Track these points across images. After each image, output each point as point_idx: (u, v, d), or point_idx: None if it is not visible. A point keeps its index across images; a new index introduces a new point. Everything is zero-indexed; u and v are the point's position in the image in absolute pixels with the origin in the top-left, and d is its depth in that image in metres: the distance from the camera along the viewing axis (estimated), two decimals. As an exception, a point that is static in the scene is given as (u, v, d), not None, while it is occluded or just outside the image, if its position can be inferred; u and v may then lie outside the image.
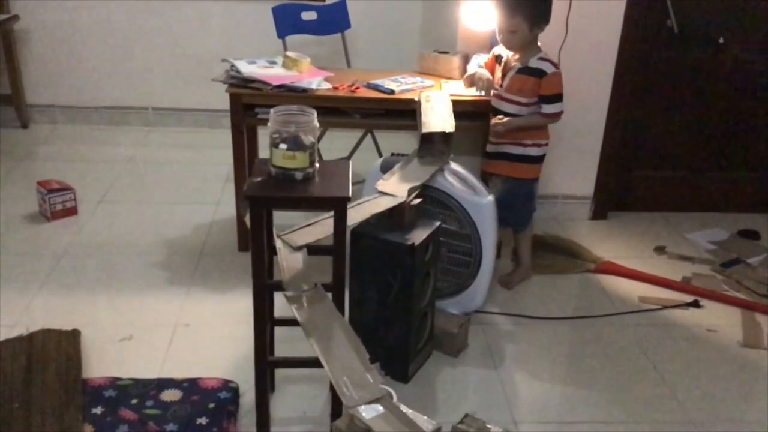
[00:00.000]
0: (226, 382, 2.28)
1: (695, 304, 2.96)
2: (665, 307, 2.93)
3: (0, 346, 2.38)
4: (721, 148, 3.72)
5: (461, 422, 2.07)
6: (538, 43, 2.75)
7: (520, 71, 2.74)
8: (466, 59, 3.16)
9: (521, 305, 2.87)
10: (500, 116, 2.81)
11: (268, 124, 1.96)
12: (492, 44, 3.16)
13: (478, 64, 2.97)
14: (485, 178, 2.90)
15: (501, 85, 2.80)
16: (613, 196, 3.69)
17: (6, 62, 4.24)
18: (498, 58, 2.86)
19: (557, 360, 2.60)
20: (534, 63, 2.71)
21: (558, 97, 2.73)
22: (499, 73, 2.84)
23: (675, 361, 2.61)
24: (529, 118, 2.78)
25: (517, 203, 2.89)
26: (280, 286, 1.96)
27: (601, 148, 3.56)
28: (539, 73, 2.70)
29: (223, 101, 2.93)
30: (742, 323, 2.85)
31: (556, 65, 2.73)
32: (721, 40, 3.50)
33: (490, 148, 2.90)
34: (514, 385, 2.44)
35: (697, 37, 3.49)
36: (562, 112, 2.76)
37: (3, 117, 4.40)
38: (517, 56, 2.77)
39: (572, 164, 3.56)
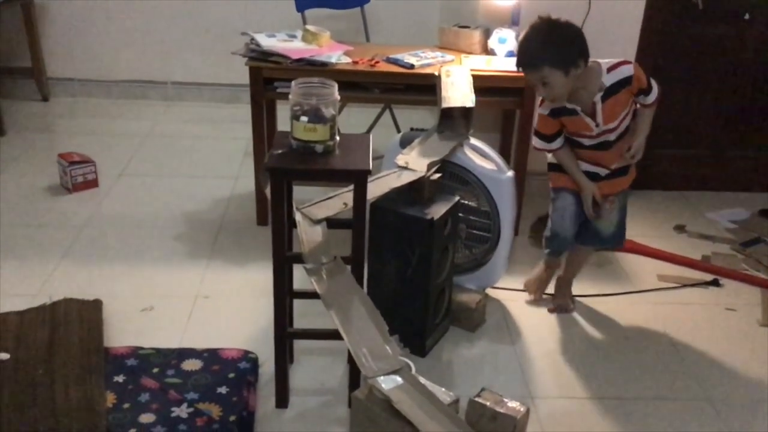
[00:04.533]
0: (246, 352, 2.31)
1: (715, 283, 2.94)
2: (684, 286, 2.92)
3: (23, 315, 2.42)
4: (744, 127, 3.67)
5: (478, 396, 2.08)
6: (591, 61, 2.32)
7: (604, 97, 2.32)
8: (486, 34, 3.13)
9: (539, 282, 2.87)
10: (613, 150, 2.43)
11: (289, 96, 1.96)
12: (514, 19, 3.13)
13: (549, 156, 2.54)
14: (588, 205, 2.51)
15: (596, 125, 2.36)
16: (634, 174, 3.65)
17: (26, 36, 4.26)
18: (559, 112, 2.39)
19: (575, 336, 2.60)
20: (609, 79, 2.31)
21: (650, 80, 2.37)
22: (579, 120, 2.38)
23: (693, 339, 2.60)
24: (644, 122, 2.42)
25: (626, 215, 2.62)
26: (299, 259, 1.97)
27: (622, 125, 3.53)
28: (625, 83, 2.31)
29: (243, 75, 2.93)
30: (761, 302, 2.83)
31: (625, 60, 2.34)
32: (746, 17, 3.44)
33: (602, 172, 2.48)
34: (531, 360, 2.44)
35: (721, 13, 3.43)
36: (659, 88, 2.40)
37: (24, 90, 4.43)
38: (582, 92, 2.34)
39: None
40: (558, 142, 2.46)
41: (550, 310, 2.69)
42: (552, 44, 2.24)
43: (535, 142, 2.51)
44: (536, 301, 2.72)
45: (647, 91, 2.36)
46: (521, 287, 2.82)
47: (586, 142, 2.42)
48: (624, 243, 2.69)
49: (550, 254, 2.62)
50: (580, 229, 2.55)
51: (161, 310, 2.57)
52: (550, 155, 2.54)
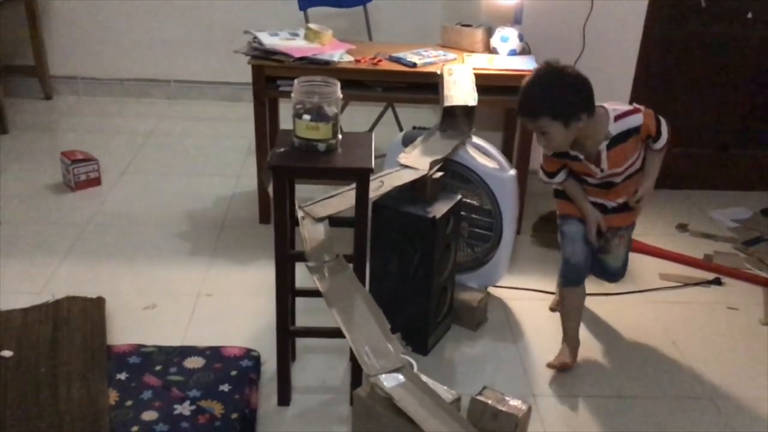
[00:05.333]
0: (248, 350, 2.32)
1: (717, 282, 2.94)
2: (686, 285, 2.92)
3: (26, 313, 2.42)
4: (747, 126, 3.67)
5: (480, 394, 2.09)
6: (598, 106, 2.19)
7: (610, 146, 2.20)
8: (489, 32, 3.13)
9: (540, 281, 2.87)
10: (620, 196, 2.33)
11: (292, 94, 1.96)
12: (516, 18, 3.14)
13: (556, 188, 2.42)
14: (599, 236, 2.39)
15: (600, 169, 2.26)
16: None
17: (29, 34, 4.26)
18: (562, 155, 2.28)
19: (576, 335, 2.60)
20: (615, 128, 2.19)
21: (660, 126, 2.24)
22: (583, 164, 2.28)
23: (695, 338, 2.60)
24: (653, 166, 2.30)
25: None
26: (301, 257, 1.98)
27: (624, 124, 3.53)
28: (634, 132, 2.20)
29: (245, 74, 2.94)
30: (763, 302, 2.83)
31: (635, 108, 2.22)
32: (749, 15, 3.43)
33: (609, 204, 2.37)
34: (533, 359, 2.45)
35: (724, 11, 3.43)
36: (670, 132, 2.28)
37: (27, 88, 4.44)
38: (587, 140, 2.21)
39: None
40: (560, 177, 2.35)
41: (552, 309, 2.69)
42: (553, 94, 2.11)
43: (540, 175, 2.39)
44: (571, 368, 2.40)
45: (656, 137, 2.24)
46: (523, 286, 2.82)
47: (591, 180, 2.32)
48: (621, 278, 2.63)
49: (567, 285, 2.38)
50: (592, 264, 2.43)
51: (164, 307, 2.58)
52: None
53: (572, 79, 2.13)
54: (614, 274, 2.56)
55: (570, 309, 2.40)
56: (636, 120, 2.20)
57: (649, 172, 2.30)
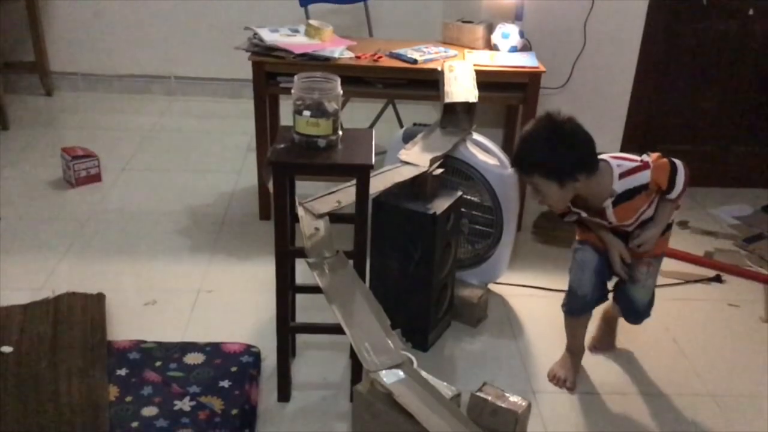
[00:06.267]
0: (248, 346, 2.32)
1: (717, 279, 2.94)
2: (687, 282, 2.91)
3: (27, 309, 2.42)
4: (748, 123, 3.66)
5: (480, 390, 2.09)
6: (601, 160, 2.03)
7: (616, 203, 2.05)
8: (490, 29, 3.12)
9: (541, 277, 2.87)
10: (634, 239, 2.14)
11: (292, 90, 1.96)
12: (517, 14, 3.13)
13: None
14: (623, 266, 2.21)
15: (608, 222, 2.12)
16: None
17: (30, 30, 4.25)
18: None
19: (576, 332, 2.60)
20: (620, 186, 2.02)
21: (674, 174, 2.03)
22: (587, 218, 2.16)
23: (696, 335, 2.60)
24: (663, 213, 2.11)
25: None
26: (302, 253, 1.97)
27: (625, 121, 3.53)
28: (641, 189, 2.03)
29: (246, 70, 2.93)
30: (764, 299, 2.83)
31: (643, 164, 2.03)
32: (750, 12, 3.42)
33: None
34: (533, 355, 2.45)
35: (725, 8, 3.42)
36: (687, 180, 2.06)
37: (27, 84, 4.44)
38: (589, 198, 2.07)
39: (596, 137, 3.49)
40: (572, 216, 2.18)
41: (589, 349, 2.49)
42: (547, 151, 1.95)
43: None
44: (570, 391, 2.29)
45: (669, 189, 2.04)
46: (523, 282, 2.82)
47: (603, 223, 2.15)
48: (646, 317, 2.32)
49: (569, 314, 2.27)
50: (617, 295, 2.28)
51: (164, 304, 2.58)
52: None
53: (570, 135, 1.96)
54: (640, 310, 2.26)
55: (576, 326, 2.32)
56: (643, 178, 2.02)
57: (657, 218, 2.10)
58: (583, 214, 2.13)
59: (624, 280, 2.22)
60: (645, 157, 2.06)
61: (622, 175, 2.02)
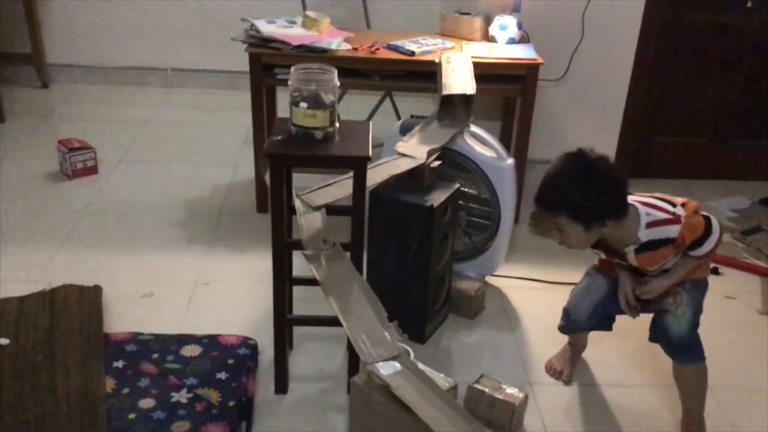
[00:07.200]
0: (246, 338, 2.32)
1: (714, 271, 2.94)
2: (684, 274, 2.92)
3: (23, 301, 2.42)
4: (746, 115, 3.66)
5: (477, 382, 2.09)
6: (631, 204, 1.90)
7: (639, 251, 1.94)
8: (488, 20, 3.11)
9: (538, 270, 2.87)
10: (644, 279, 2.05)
11: (289, 82, 1.95)
12: (515, 6, 3.12)
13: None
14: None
15: (628, 264, 2.03)
16: (635, 163, 3.66)
17: (26, 22, 4.23)
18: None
19: (574, 324, 2.60)
20: (646, 236, 1.90)
21: (705, 237, 1.91)
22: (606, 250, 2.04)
23: (692, 327, 2.60)
24: (682, 267, 1.99)
25: (700, 316, 2.05)
26: (299, 245, 1.97)
27: (623, 113, 3.52)
28: (667, 242, 1.91)
29: (242, 62, 2.92)
30: (761, 291, 2.83)
31: (674, 218, 1.89)
32: (749, 4, 3.42)
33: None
34: (530, 347, 2.45)
35: (724, 0, 3.41)
36: (718, 240, 1.95)
37: (23, 76, 4.42)
38: (612, 242, 1.96)
39: (594, 129, 3.53)
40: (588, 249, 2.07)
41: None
42: (579, 192, 1.82)
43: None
44: (566, 383, 2.29)
45: (695, 245, 1.92)
46: (521, 275, 2.82)
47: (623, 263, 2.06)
48: (698, 358, 2.06)
49: (559, 329, 2.24)
50: (651, 325, 2.08)
51: (161, 296, 2.58)
52: None
53: (604, 177, 1.84)
54: (674, 341, 2.00)
55: (575, 353, 2.34)
56: (671, 232, 1.89)
57: (673, 271, 1.99)
58: (602, 255, 2.06)
59: (632, 317, 2.12)
60: (678, 210, 1.91)
61: (649, 225, 1.89)
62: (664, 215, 1.90)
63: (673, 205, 1.93)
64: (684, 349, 2.02)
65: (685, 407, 2.12)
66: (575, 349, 2.35)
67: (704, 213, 1.95)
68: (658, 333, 2.04)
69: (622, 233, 1.91)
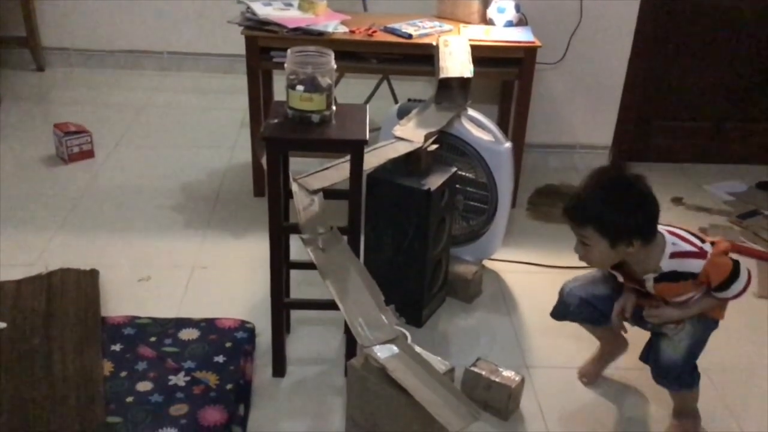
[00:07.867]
0: (243, 322, 2.32)
1: (711, 255, 2.95)
2: (680, 258, 2.92)
3: (20, 284, 2.42)
4: (743, 99, 3.65)
5: (473, 365, 2.10)
6: (660, 229, 1.86)
7: (658, 280, 1.89)
8: (485, 3, 3.09)
9: (535, 254, 2.87)
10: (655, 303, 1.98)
11: (285, 64, 1.94)
12: (513, -12, 3.10)
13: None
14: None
15: (645, 290, 1.96)
16: (632, 146, 3.65)
17: (21, 4, 4.20)
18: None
19: (570, 308, 2.61)
20: (668, 266, 1.85)
21: (733, 276, 1.85)
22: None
23: (688, 310, 2.61)
24: (700, 305, 1.93)
25: (699, 351, 2.01)
26: (296, 229, 1.97)
27: (621, 97, 3.51)
28: (686, 277, 1.86)
29: (239, 45, 2.90)
30: (758, 274, 2.84)
31: (701, 252, 1.84)
32: (747, -13, 3.41)
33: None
34: (527, 331, 2.46)
35: (722, -17, 3.41)
36: (747, 284, 1.89)
37: (19, 60, 4.39)
38: (633, 267, 1.92)
39: (591, 113, 3.52)
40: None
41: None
42: (612, 206, 1.79)
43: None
44: (590, 383, 2.26)
45: (722, 287, 1.87)
46: (518, 259, 2.82)
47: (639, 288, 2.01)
48: (686, 387, 2.03)
49: (550, 313, 2.20)
50: (646, 345, 2.06)
51: (158, 280, 2.58)
52: None
53: (639, 196, 1.80)
54: (663, 367, 1.97)
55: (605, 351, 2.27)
56: (694, 266, 1.84)
57: (691, 304, 1.93)
58: (620, 279, 2.00)
59: (615, 331, 2.12)
60: (706, 247, 1.86)
61: (673, 255, 1.85)
62: (690, 248, 1.86)
63: (702, 240, 1.89)
64: (672, 377, 1.99)
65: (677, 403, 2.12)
66: (603, 348, 2.25)
67: (734, 257, 1.90)
68: (650, 354, 2.02)
69: (646, 258, 1.86)
